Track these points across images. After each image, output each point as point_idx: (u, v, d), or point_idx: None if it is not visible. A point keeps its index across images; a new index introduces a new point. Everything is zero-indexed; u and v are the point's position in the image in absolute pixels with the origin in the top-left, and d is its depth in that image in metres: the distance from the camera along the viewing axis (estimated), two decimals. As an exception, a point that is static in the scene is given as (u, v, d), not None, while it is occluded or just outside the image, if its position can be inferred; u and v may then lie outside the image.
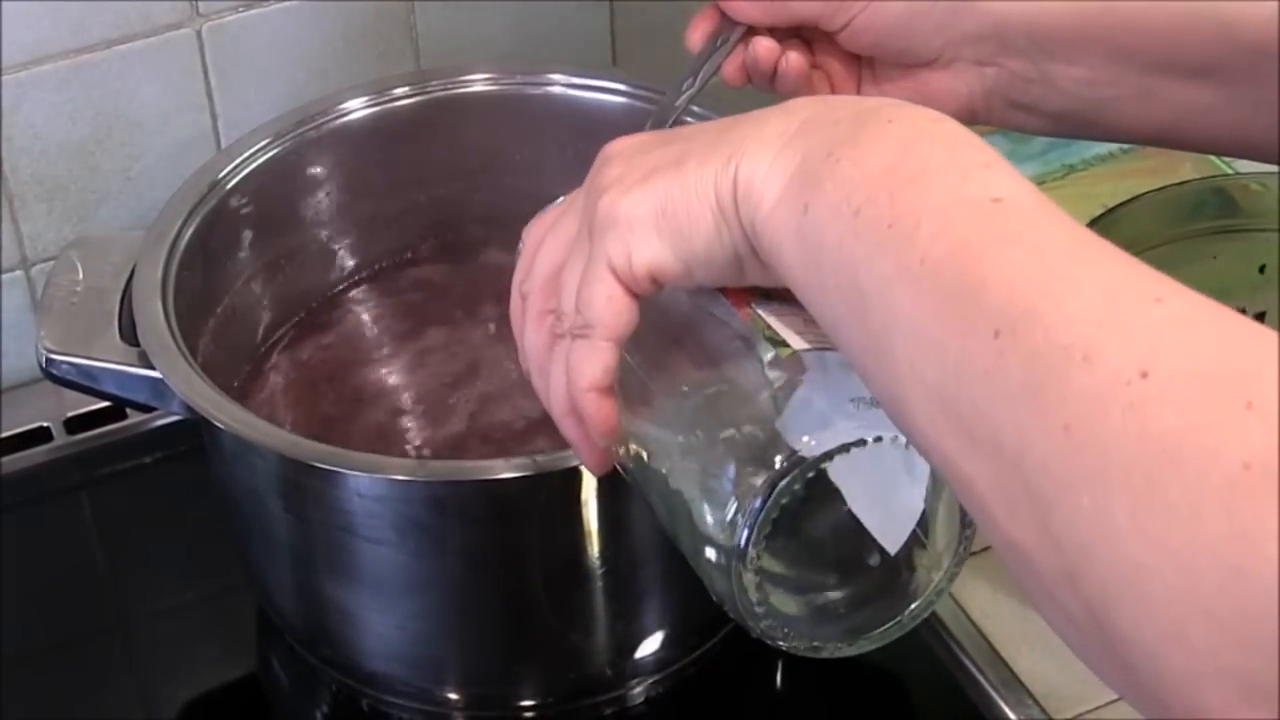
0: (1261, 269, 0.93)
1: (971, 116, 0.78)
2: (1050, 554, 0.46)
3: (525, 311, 0.67)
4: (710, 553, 0.61)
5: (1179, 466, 0.43)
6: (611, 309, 0.61)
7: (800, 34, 0.79)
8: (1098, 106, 0.76)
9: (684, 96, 0.81)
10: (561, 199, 0.71)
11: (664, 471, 0.64)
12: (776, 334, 0.62)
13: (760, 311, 0.63)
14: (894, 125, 0.56)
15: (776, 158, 0.58)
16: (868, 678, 0.91)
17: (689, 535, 0.63)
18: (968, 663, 0.89)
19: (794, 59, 0.78)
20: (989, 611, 0.90)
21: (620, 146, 0.64)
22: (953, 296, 0.50)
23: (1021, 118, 0.78)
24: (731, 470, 0.60)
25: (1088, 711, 0.86)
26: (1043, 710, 0.86)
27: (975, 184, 0.53)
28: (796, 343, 0.61)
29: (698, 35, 0.80)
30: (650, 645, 0.87)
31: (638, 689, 0.89)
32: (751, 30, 0.79)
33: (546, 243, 0.66)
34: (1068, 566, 0.46)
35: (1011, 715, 0.87)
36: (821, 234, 0.55)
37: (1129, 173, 1.13)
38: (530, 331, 0.66)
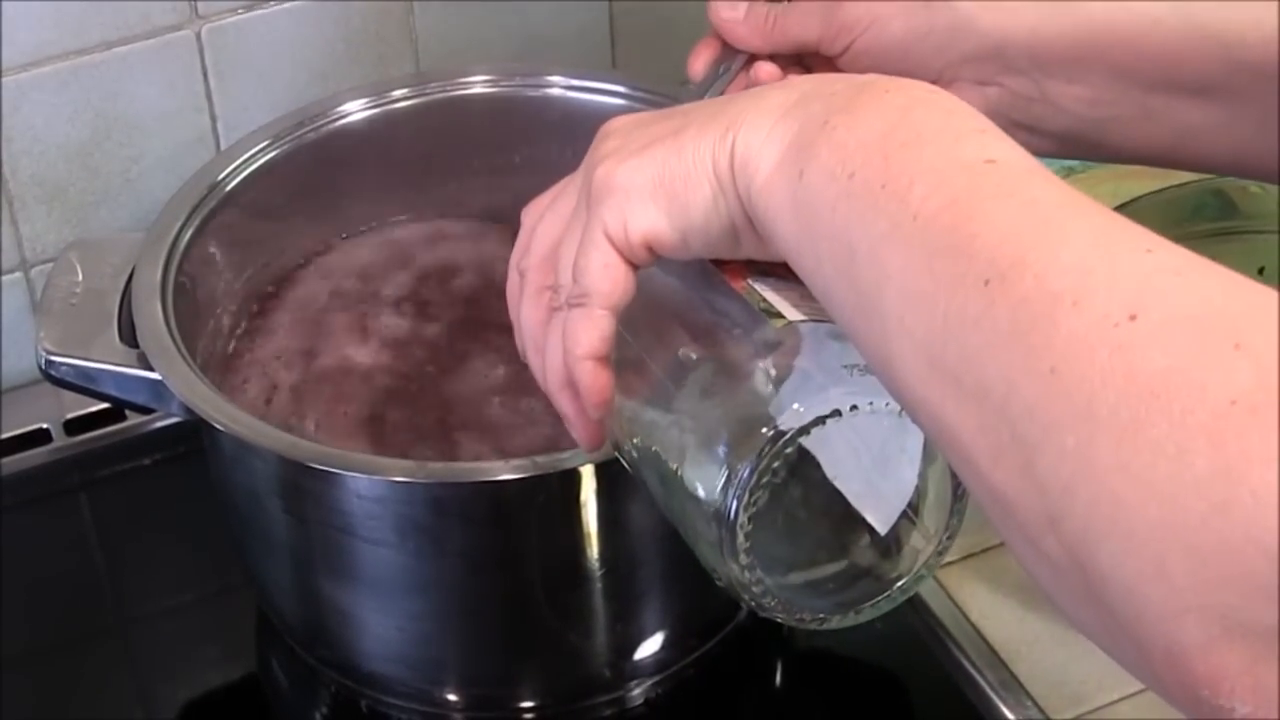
0: (1261, 270, 0.93)
1: None
2: (1033, 498, 0.47)
3: (523, 289, 0.67)
4: (703, 523, 0.62)
5: (1165, 403, 0.43)
6: (608, 277, 0.62)
7: (801, 60, 0.79)
8: (1099, 126, 0.76)
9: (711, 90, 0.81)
10: None
11: (658, 450, 0.64)
12: (772, 306, 0.62)
13: (756, 285, 0.63)
14: (890, 94, 0.57)
15: (774, 127, 0.58)
16: (868, 678, 0.91)
17: (683, 510, 0.63)
18: (966, 664, 0.89)
19: None
20: (988, 613, 0.91)
21: (619, 123, 0.65)
22: (944, 250, 0.51)
23: (1024, 138, 0.78)
24: (724, 439, 0.61)
25: (1086, 712, 0.86)
26: (1041, 711, 0.87)
27: (969, 147, 0.54)
28: (792, 314, 0.62)
29: (700, 64, 0.80)
30: (649, 646, 0.87)
31: (637, 690, 0.89)
32: (753, 57, 0.79)
33: (544, 220, 0.66)
34: (1050, 509, 0.46)
35: (1010, 715, 0.87)
36: (816, 199, 0.56)
37: (1128, 174, 1.13)
38: (527, 308, 0.66)
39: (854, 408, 0.59)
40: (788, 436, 0.59)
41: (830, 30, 0.76)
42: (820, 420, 0.59)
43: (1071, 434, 0.45)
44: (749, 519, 0.60)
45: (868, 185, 0.54)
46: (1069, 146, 0.78)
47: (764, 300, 0.63)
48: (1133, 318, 0.45)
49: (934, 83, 0.76)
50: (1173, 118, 0.74)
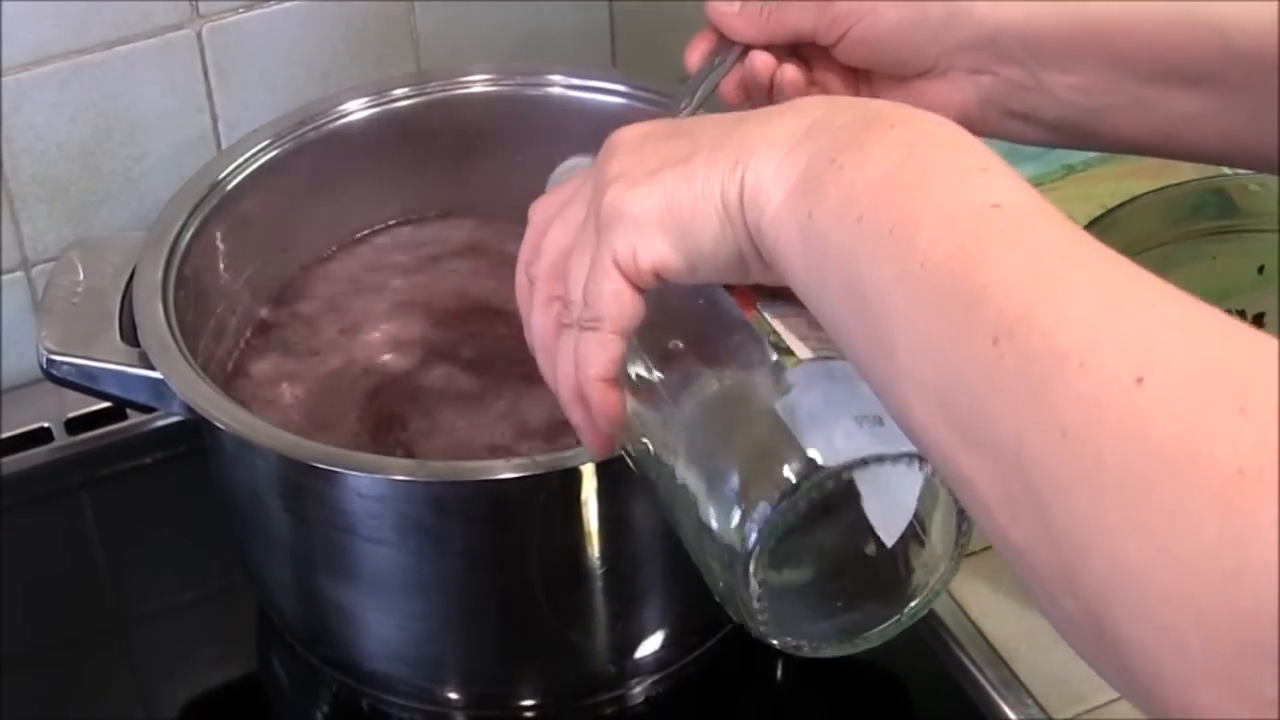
0: (1260, 269, 0.93)
1: (969, 126, 0.78)
2: (1049, 554, 0.47)
3: (532, 296, 0.67)
4: (714, 552, 0.62)
5: (1174, 470, 0.44)
6: (618, 303, 0.62)
7: (798, 53, 0.80)
8: (1093, 115, 0.76)
9: (681, 115, 0.81)
10: (564, 166, 0.72)
11: (669, 464, 0.64)
12: (782, 340, 0.62)
13: (765, 314, 0.63)
14: (896, 130, 0.57)
15: (782, 162, 0.59)
16: (868, 678, 0.91)
17: (693, 530, 0.63)
18: (967, 662, 0.89)
19: (790, 71, 0.79)
20: (988, 611, 0.91)
21: (627, 137, 0.65)
22: (951, 301, 0.51)
23: (1018, 127, 0.78)
24: (738, 477, 0.61)
25: (1086, 711, 0.86)
26: (1042, 709, 0.87)
27: (975, 188, 0.54)
28: (802, 351, 0.62)
29: (695, 56, 0.81)
30: (650, 645, 0.87)
31: (638, 689, 0.89)
32: (748, 49, 0.80)
33: (554, 228, 0.66)
34: (1066, 567, 0.46)
35: (1011, 714, 0.87)
36: (825, 239, 0.56)
37: (1128, 173, 1.13)
38: (538, 315, 0.67)
39: (865, 461, 0.59)
40: (803, 488, 0.59)
41: (825, 21, 0.77)
42: (838, 472, 0.59)
43: (1084, 497, 0.45)
44: (760, 567, 0.60)
45: (875, 229, 0.54)
46: (1063, 135, 0.79)
47: (774, 332, 0.63)
48: (1139, 380, 0.45)
49: (928, 71, 0.77)
50: (1167, 107, 0.75)
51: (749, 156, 0.59)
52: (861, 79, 0.80)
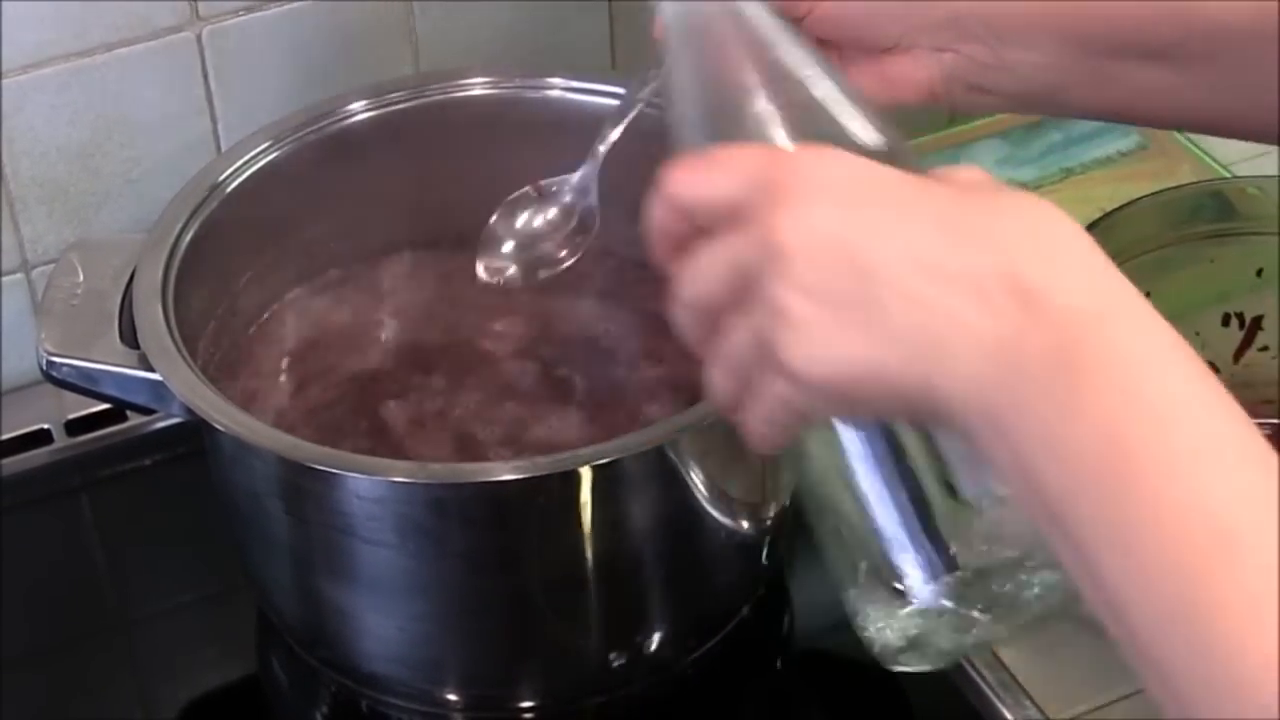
0: (1259, 272, 0.93)
1: (933, 99, 0.80)
2: None
3: (675, 312, 0.64)
4: (870, 591, 0.63)
5: None
6: (778, 426, 0.62)
7: None
8: (1055, 89, 0.78)
9: (648, 89, 0.82)
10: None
11: (832, 494, 0.64)
12: (945, 471, 0.62)
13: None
14: (1095, 381, 0.54)
15: (972, 385, 0.56)
16: (868, 678, 0.91)
17: (842, 545, 0.64)
18: (965, 663, 0.89)
19: None
20: (987, 613, 0.91)
21: (803, 236, 0.58)
22: (1179, 635, 0.50)
23: (981, 99, 0.80)
24: (911, 566, 0.62)
25: (1084, 712, 0.86)
26: (1040, 711, 0.87)
27: (1195, 498, 0.52)
28: (966, 489, 0.62)
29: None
30: (649, 646, 0.87)
31: (637, 690, 0.89)
32: None
33: (706, 261, 0.61)
34: None
35: (1009, 715, 0.87)
36: (1035, 495, 0.54)
37: (1127, 176, 1.13)
38: (686, 326, 0.64)
39: None
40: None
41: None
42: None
43: None
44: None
45: (1089, 519, 0.53)
46: (1026, 106, 0.81)
47: (937, 459, 0.62)
48: None
49: (892, 49, 0.78)
50: (1128, 80, 0.76)
51: (930, 367, 0.56)
52: (832, 50, 0.81)
